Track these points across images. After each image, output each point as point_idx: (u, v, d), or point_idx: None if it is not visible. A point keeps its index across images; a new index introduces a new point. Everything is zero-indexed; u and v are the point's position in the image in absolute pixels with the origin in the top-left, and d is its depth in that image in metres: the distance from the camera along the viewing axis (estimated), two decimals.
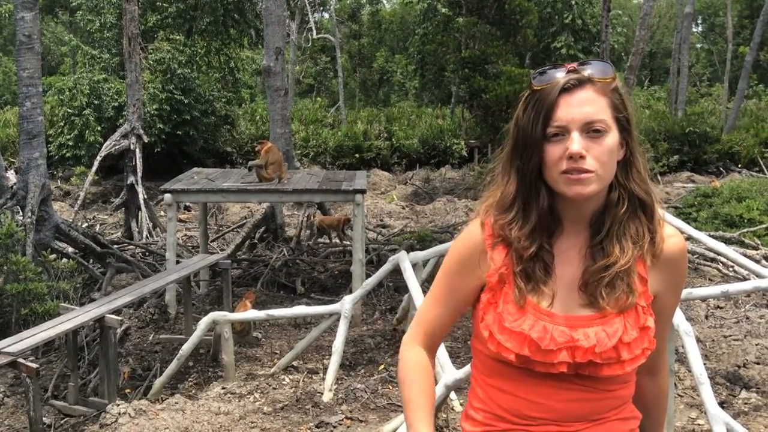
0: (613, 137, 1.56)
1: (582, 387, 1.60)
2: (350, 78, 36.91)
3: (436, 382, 5.52)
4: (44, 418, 6.04)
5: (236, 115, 21.53)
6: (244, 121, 22.36)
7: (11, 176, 10.88)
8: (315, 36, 27.45)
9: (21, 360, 5.61)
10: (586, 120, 1.53)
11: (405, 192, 18.58)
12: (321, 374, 6.84)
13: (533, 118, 1.56)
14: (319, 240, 12.21)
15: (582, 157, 1.52)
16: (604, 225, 1.60)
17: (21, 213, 9.22)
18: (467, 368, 5.33)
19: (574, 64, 1.59)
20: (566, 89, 1.55)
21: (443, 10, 19.36)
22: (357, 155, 21.44)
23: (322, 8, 36.08)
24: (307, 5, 26.23)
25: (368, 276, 8.25)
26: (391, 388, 6.65)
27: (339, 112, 26.85)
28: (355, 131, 22.33)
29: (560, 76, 1.56)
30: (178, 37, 19.45)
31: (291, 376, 6.87)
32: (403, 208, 16.16)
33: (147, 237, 12.01)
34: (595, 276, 1.59)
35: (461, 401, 6.23)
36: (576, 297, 1.61)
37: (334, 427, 5.81)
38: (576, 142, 1.52)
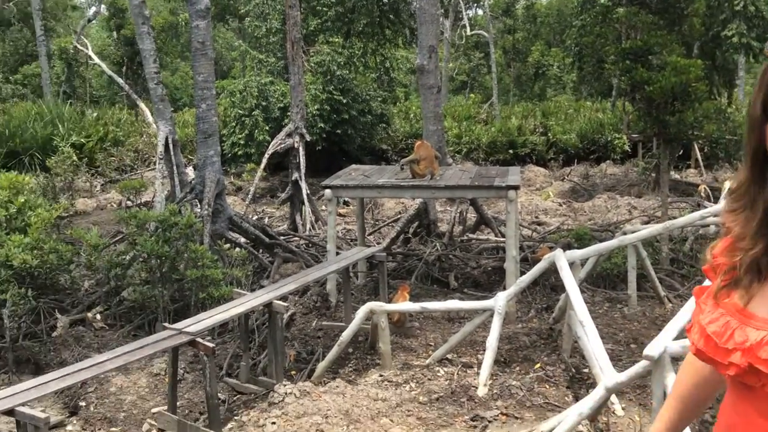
0: None
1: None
2: (504, 73, 36.46)
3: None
4: (219, 394, 6.54)
5: (391, 113, 21.99)
6: (399, 119, 22.78)
7: (190, 172, 11.86)
8: (468, 33, 27.43)
9: (199, 339, 6.11)
10: None
11: (562, 188, 18.10)
12: (475, 369, 6.87)
13: (755, 93, 1.40)
14: (471, 236, 12.23)
15: None
16: None
17: (199, 206, 10.03)
18: (630, 371, 5.14)
19: None
20: None
21: (602, 0, 18.63)
22: (511, 151, 21.17)
23: (475, 4, 35.94)
24: (461, 2, 26.25)
25: (523, 273, 8.16)
26: (547, 387, 6.55)
27: (493, 107, 26.64)
28: (509, 127, 22.06)
29: None
30: (336, 40, 20.20)
31: (445, 369, 6.96)
32: (560, 205, 15.76)
33: (310, 229, 12.63)
34: None
35: (623, 405, 6.02)
36: None
37: (490, 421, 5.83)
38: None
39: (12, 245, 7.72)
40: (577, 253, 7.62)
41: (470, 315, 7.94)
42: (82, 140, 19.48)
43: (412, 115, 23.19)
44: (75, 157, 16.99)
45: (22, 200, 8.75)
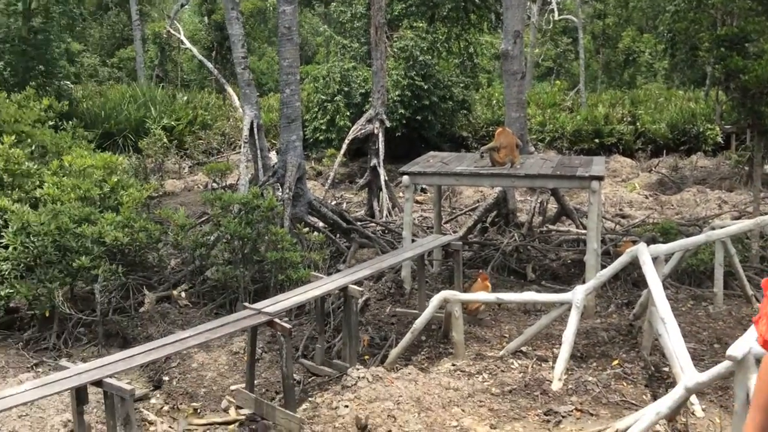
0: None
1: None
2: (592, 59, 35.43)
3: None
4: (294, 375, 6.70)
5: (473, 99, 21.75)
6: (481, 105, 22.51)
7: (273, 156, 12.12)
8: (556, 17, 26.74)
9: (277, 320, 6.27)
10: None
11: (649, 180, 17.49)
12: (550, 362, 6.77)
13: None
14: (552, 227, 12.00)
15: None
16: None
17: (280, 189, 10.25)
18: (712, 371, 4.96)
19: None
20: None
21: None
22: (596, 140, 20.59)
23: None
24: None
25: (603, 267, 7.97)
26: (625, 384, 6.40)
27: (579, 95, 25.95)
28: (595, 115, 21.44)
29: None
30: (420, 25, 20.12)
31: (520, 361, 6.89)
32: (646, 198, 15.25)
33: (387, 216, 12.71)
34: None
35: (703, 406, 5.81)
36: None
37: (563, 416, 5.74)
38: None
39: (105, 223, 8.11)
40: (661, 248, 7.37)
41: (547, 308, 7.82)
42: (172, 123, 20.21)
43: (494, 101, 22.88)
44: (165, 140, 17.66)
45: (115, 180, 9.18)
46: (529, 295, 7.55)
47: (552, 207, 12.41)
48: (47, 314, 7.79)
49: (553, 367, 6.53)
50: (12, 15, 20.31)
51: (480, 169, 9.10)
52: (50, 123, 10.64)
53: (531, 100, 22.39)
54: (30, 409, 5.95)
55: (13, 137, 9.20)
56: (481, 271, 9.33)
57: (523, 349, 7.18)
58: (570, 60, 35.95)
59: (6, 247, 7.83)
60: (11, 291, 7.64)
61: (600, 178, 8.48)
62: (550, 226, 12.02)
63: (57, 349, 7.61)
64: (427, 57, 19.25)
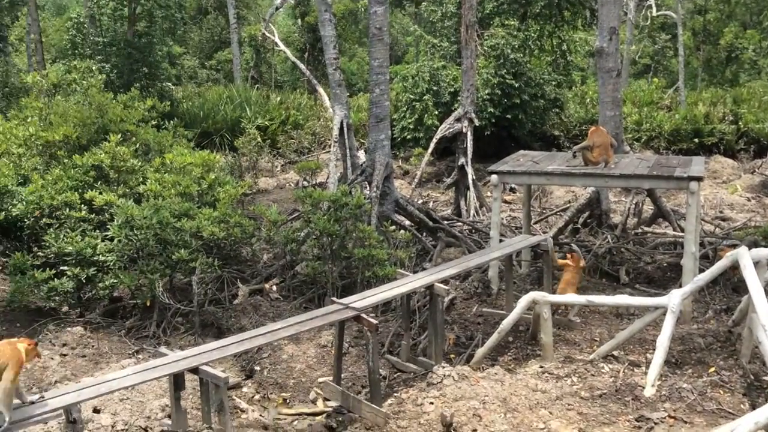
0: None
1: None
2: (692, 56, 33.98)
3: None
4: (380, 370, 6.78)
5: (566, 98, 21.28)
6: (574, 104, 22.00)
7: (361, 155, 12.28)
8: (654, 13, 25.81)
9: (364, 315, 6.37)
10: None
11: (751, 182, 16.62)
12: (643, 368, 6.57)
13: None
14: (647, 229, 11.61)
15: None
16: None
17: (368, 188, 10.37)
18: None
19: None
20: None
21: None
22: (696, 140, 19.74)
23: None
24: None
25: (701, 271, 7.65)
26: (721, 392, 6.13)
27: (678, 93, 24.95)
28: (695, 114, 20.57)
29: None
30: (512, 23, 19.85)
31: (611, 365, 6.71)
32: (748, 200, 14.51)
33: (474, 215, 12.63)
34: None
35: None
36: None
37: (656, 423, 5.57)
38: None
39: (202, 218, 8.46)
40: (763, 252, 7.00)
41: (640, 312, 7.58)
42: (266, 123, 20.78)
43: (588, 99, 22.29)
44: (259, 139, 18.18)
45: (213, 177, 9.55)
46: (622, 299, 7.34)
47: (647, 208, 12.00)
48: (148, 304, 8.21)
49: (645, 373, 6.32)
50: (118, 20, 21.46)
51: (572, 169, 8.92)
52: (153, 122, 11.18)
53: (627, 99, 21.70)
54: (131, 393, 6.28)
55: (119, 136, 9.73)
56: (572, 251, 9.11)
57: (615, 353, 6.99)
58: (668, 57, 34.58)
59: (111, 239, 8.30)
60: (115, 281, 8.10)
61: (699, 179, 8.15)
62: (646, 228, 11.64)
63: (156, 337, 7.99)
64: (519, 55, 18.97)
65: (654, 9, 25.26)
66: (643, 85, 28.62)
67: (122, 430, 5.83)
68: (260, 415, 6.49)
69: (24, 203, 8.74)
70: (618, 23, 11.48)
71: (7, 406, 4.52)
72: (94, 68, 12.81)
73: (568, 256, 8.40)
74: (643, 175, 8.60)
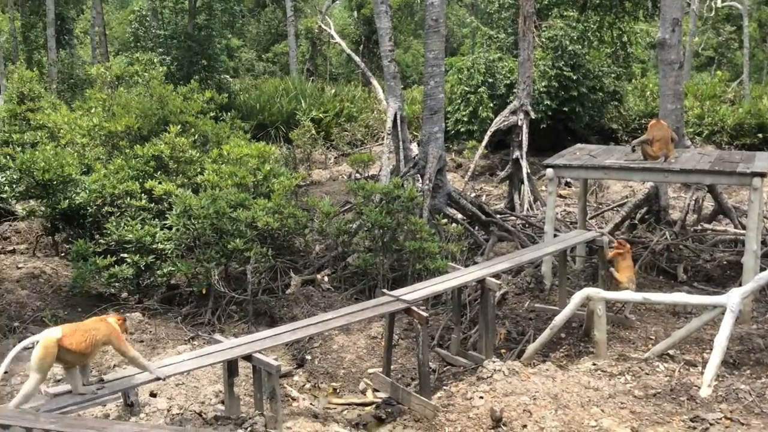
0: None
1: None
2: (758, 49, 32.77)
3: None
4: (430, 363, 6.79)
5: (625, 90, 20.81)
6: (633, 97, 21.49)
7: (414, 148, 12.27)
8: (719, 4, 24.98)
9: (414, 308, 6.38)
10: None
11: None
12: (699, 368, 6.41)
13: None
14: (707, 225, 11.28)
15: None
16: None
17: (420, 180, 10.37)
18: None
19: None
20: None
21: None
22: (760, 135, 19.08)
23: None
24: None
25: (762, 270, 7.41)
26: None
27: (742, 86, 24.12)
28: (759, 108, 19.86)
29: None
30: (571, 14, 19.49)
31: (666, 364, 6.57)
32: None
33: (528, 209, 12.49)
34: None
35: None
36: None
37: (711, 424, 5.43)
38: None
39: (257, 208, 8.61)
40: None
41: (698, 310, 7.39)
42: (320, 115, 20.95)
43: (648, 92, 21.74)
44: (313, 131, 18.35)
45: (268, 168, 9.69)
46: (679, 296, 7.17)
47: (708, 205, 11.66)
48: (204, 291, 8.40)
49: (702, 373, 6.17)
50: (179, 13, 21.92)
51: (631, 163, 8.74)
52: (211, 114, 11.41)
53: (688, 92, 21.09)
54: (186, 378, 6.45)
55: (179, 127, 9.97)
56: (620, 238, 8.94)
57: (670, 352, 6.84)
58: (733, 49, 33.42)
59: (170, 228, 8.51)
60: (173, 269, 8.31)
61: (763, 175, 7.90)
62: (706, 225, 11.31)
63: (211, 324, 8.18)
64: (577, 47, 18.62)
65: (719, 0, 24.45)
66: (706, 78, 27.78)
67: (177, 414, 5.99)
68: (311, 404, 6.58)
69: (87, 192, 9.04)
70: (681, 14, 11.16)
71: (144, 366, 5.07)
72: (155, 60, 13.13)
73: (615, 243, 8.25)
74: (704, 171, 8.37)
